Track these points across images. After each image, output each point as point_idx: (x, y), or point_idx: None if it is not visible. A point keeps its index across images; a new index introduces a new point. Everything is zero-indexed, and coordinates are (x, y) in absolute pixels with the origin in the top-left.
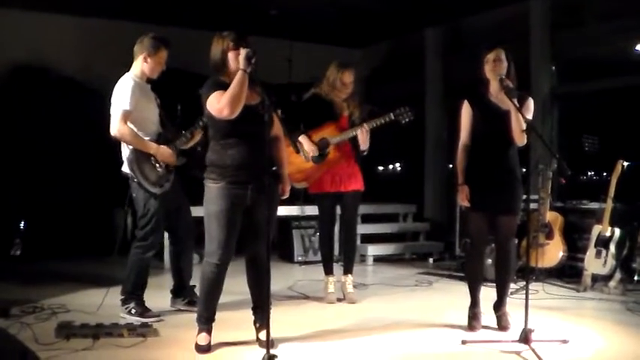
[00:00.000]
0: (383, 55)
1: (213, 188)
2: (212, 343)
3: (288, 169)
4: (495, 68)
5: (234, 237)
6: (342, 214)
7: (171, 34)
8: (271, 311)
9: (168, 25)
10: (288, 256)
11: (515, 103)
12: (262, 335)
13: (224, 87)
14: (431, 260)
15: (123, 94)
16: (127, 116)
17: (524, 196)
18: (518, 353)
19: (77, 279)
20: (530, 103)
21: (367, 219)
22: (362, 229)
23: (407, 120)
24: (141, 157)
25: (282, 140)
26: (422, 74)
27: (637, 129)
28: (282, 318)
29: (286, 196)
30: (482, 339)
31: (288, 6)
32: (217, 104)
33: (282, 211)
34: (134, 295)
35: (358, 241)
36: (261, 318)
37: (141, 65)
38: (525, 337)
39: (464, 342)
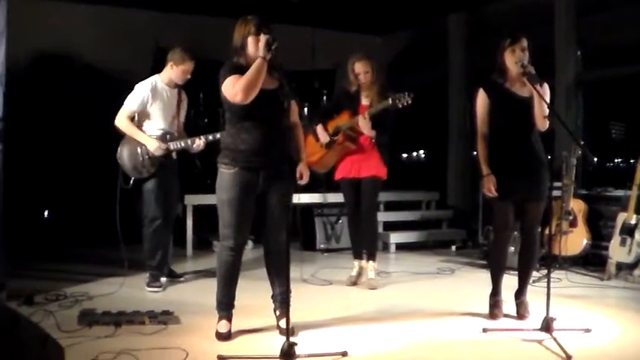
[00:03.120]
0: (405, 42)
1: (225, 174)
2: (232, 331)
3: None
4: (522, 57)
5: (248, 221)
6: (361, 200)
7: (192, 22)
8: (292, 298)
9: (189, 13)
10: (310, 244)
11: (539, 89)
12: (282, 323)
13: (241, 71)
14: (453, 248)
15: (134, 94)
16: (126, 111)
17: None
18: (540, 342)
19: (101, 267)
20: (547, 88)
21: (390, 206)
22: (384, 216)
23: (405, 104)
24: (128, 146)
25: (299, 126)
26: (445, 61)
27: None
28: (303, 305)
29: (304, 181)
30: (503, 327)
31: None
32: (232, 89)
33: (305, 198)
34: (148, 266)
35: (380, 229)
36: (281, 306)
37: (168, 71)
38: (547, 326)
39: (485, 330)
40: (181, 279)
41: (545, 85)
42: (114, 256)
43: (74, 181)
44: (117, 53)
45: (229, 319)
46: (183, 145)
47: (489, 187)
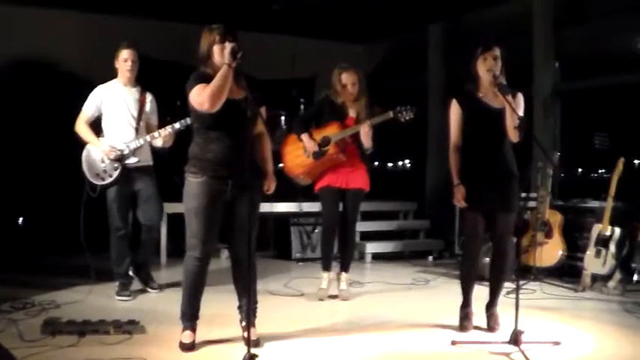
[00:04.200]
0: (385, 51)
1: (193, 183)
2: (198, 341)
3: (291, 164)
4: (495, 66)
5: (215, 231)
6: (342, 211)
7: (173, 29)
8: (261, 309)
9: (169, 20)
10: (285, 254)
11: (510, 100)
12: None
13: (208, 80)
14: (430, 258)
15: (89, 98)
16: (83, 116)
17: (523, 195)
18: (507, 355)
19: (71, 275)
20: (521, 99)
21: (367, 216)
22: (361, 226)
23: (407, 118)
24: (91, 153)
25: (266, 136)
26: (424, 71)
27: None
28: (274, 315)
29: (270, 192)
30: (472, 340)
31: (289, 1)
32: (198, 97)
33: (281, 207)
34: (115, 274)
35: (357, 239)
36: (247, 316)
37: (118, 68)
38: (515, 339)
39: (453, 342)
40: (155, 289)
41: (519, 96)
42: (86, 264)
43: (48, 188)
44: (98, 60)
45: (193, 330)
46: (139, 143)
47: (458, 197)
